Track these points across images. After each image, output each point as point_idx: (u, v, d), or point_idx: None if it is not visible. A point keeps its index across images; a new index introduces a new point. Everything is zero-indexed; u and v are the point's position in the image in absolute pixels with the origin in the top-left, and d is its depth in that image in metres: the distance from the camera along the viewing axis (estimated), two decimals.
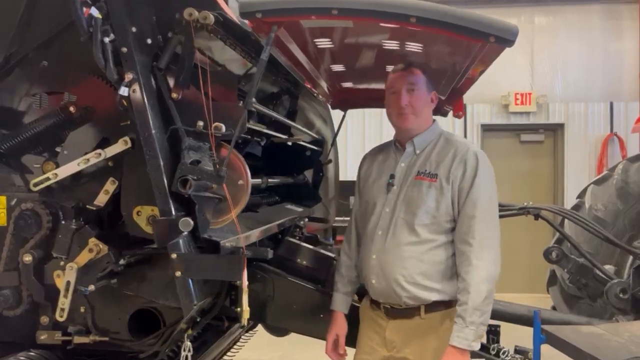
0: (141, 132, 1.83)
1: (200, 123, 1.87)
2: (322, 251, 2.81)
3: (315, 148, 3.45)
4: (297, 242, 2.83)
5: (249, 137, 2.31)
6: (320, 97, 3.58)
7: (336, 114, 3.76)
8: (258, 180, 2.62)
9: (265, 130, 2.44)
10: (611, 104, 7.62)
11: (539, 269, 3.40)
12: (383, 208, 2.21)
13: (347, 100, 3.50)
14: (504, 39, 1.62)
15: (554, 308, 3.66)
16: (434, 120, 2.30)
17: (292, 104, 3.53)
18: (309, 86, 3.32)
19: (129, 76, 1.81)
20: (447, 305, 2.15)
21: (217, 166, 1.78)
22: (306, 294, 2.55)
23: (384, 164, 2.31)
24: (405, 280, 2.12)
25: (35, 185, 2.01)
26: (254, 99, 1.92)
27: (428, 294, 2.12)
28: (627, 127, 7.29)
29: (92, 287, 1.96)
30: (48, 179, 2.00)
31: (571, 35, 7.72)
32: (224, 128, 1.86)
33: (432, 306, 2.14)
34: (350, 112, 3.58)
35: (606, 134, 7.60)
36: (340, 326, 2.35)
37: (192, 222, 1.67)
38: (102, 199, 2.02)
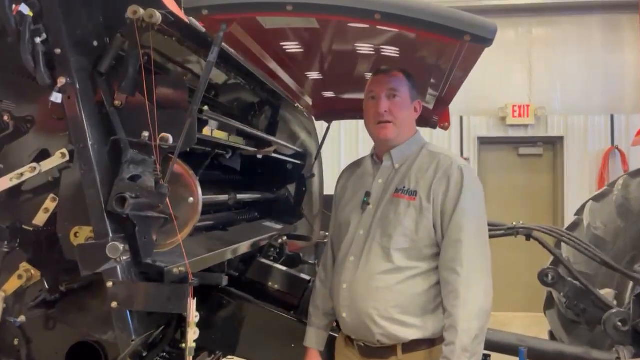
0: (76, 144, 1.62)
1: (146, 134, 1.67)
2: (295, 273, 2.58)
3: (297, 162, 3.25)
4: (269, 263, 2.61)
5: (209, 149, 2.10)
6: (302, 108, 3.38)
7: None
8: (224, 197, 2.42)
9: (229, 142, 2.23)
10: (612, 117, 7.39)
11: (538, 287, 3.19)
12: (357, 230, 1.95)
13: (331, 111, 3.28)
14: (481, 37, 1.42)
15: (551, 333, 3.42)
16: (417, 131, 2.06)
17: (273, 115, 3.35)
18: (289, 97, 3.13)
19: (62, 81, 1.61)
20: (430, 344, 1.86)
21: (160, 182, 1.57)
22: (276, 321, 2.32)
23: (361, 180, 2.06)
24: (378, 315, 1.84)
25: None
26: (206, 107, 1.72)
27: (405, 330, 1.84)
28: (628, 140, 7.05)
29: (22, 318, 1.75)
30: None
31: (570, 46, 7.52)
32: (171, 139, 1.65)
33: (411, 345, 1.85)
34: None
35: (607, 148, 7.35)
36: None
37: (121, 247, 1.45)
38: (41, 219, 1.82)
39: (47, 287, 1.73)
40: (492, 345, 2.44)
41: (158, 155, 1.63)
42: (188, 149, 1.68)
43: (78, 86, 1.63)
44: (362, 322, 1.87)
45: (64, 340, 1.81)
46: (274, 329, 2.32)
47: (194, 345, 1.61)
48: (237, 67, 2.40)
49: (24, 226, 1.83)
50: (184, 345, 1.58)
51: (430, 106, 2.61)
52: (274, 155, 3.02)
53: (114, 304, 1.58)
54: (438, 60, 1.92)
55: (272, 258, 2.80)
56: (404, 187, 1.90)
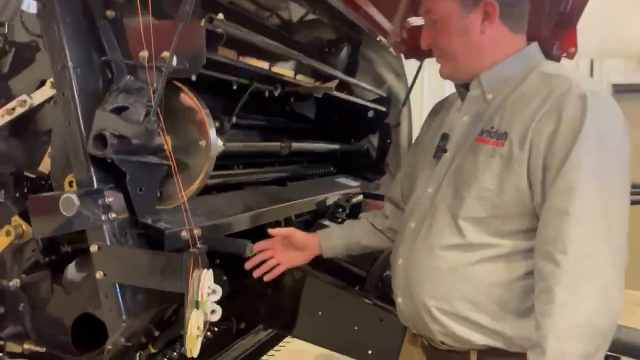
0: (53, 65, 1.25)
1: (144, 53, 1.25)
2: None
3: (380, 108, 2.74)
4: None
5: (244, 81, 1.65)
6: (388, 42, 2.82)
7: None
8: (273, 145, 1.98)
9: (269, 72, 1.78)
10: None
11: None
12: (425, 187, 1.40)
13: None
14: None
15: None
16: (524, 46, 1.35)
17: (353, 53, 2.84)
18: (373, 30, 2.59)
19: None
20: (515, 358, 1.25)
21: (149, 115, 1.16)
22: (336, 297, 1.88)
23: (445, 119, 1.47)
24: (437, 307, 1.31)
25: None
26: (220, 15, 1.27)
27: (476, 335, 1.28)
28: None
29: (16, 282, 1.46)
30: None
31: None
32: (175, 60, 1.23)
33: (492, 354, 1.28)
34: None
35: None
36: (298, 235, 1.69)
37: (77, 201, 1.06)
38: (47, 165, 1.51)
39: (41, 247, 1.42)
40: (625, 349, 1.81)
41: (155, 81, 1.21)
42: (194, 77, 1.25)
43: None
44: (417, 313, 1.35)
45: (68, 311, 1.51)
46: (331, 306, 1.88)
47: (198, 334, 1.21)
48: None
49: (26, 173, 1.53)
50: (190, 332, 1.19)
51: (547, 28, 1.95)
52: (352, 99, 2.53)
53: (99, 274, 1.22)
54: None
55: (339, 220, 2.34)
56: (492, 128, 1.28)
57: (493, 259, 1.25)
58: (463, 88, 1.41)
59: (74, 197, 1.01)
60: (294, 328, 1.94)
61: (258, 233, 1.74)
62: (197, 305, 1.26)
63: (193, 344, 1.18)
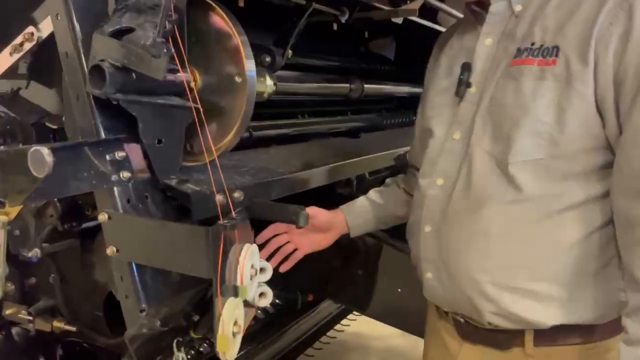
0: None
1: None
2: None
3: None
4: None
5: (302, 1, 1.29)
6: None
7: None
8: (343, 86, 1.62)
9: None
10: None
11: None
12: (448, 134, 1.09)
13: None
14: None
15: None
16: None
17: None
18: None
19: None
20: (586, 334, 1.01)
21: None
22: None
23: (459, 50, 1.14)
24: (492, 283, 1.00)
25: None
26: None
27: (540, 309, 0.99)
28: None
29: (36, 252, 1.24)
30: None
31: None
32: None
33: (551, 334, 1.01)
34: None
35: None
36: (321, 215, 1.29)
37: (49, 158, 0.76)
38: None
39: (59, 211, 1.18)
40: None
41: None
42: None
43: None
44: (460, 291, 1.05)
45: (98, 285, 1.28)
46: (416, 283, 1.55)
47: (236, 331, 0.92)
48: None
49: (48, 124, 1.29)
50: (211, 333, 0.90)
51: None
52: (439, 30, 2.12)
53: (110, 251, 0.95)
54: None
55: None
56: (532, 45, 0.98)
57: (560, 212, 0.96)
58: (478, 7, 1.08)
59: (45, 152, 0.72)
60: (367, 306, 1.64)
61: (324, 198, 1.42)
62: (235, 292, 0.97)
63: (226, 344, 0.88)
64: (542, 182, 0.96)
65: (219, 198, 0.99)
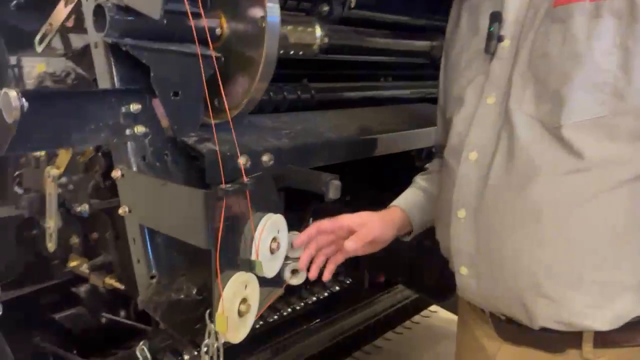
0: None
1: None
2: None
3: None
4: None
5: None
6: None
7: None
8: (421, 44, 1.42)
9: None
10: None
11: None
12: (480, 99, 0.89)
13: None
14: None
15: None
16: None
17: None
18: None
19: None
20: None
21: None
22: None
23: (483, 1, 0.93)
24: (548, 275, 0.81)
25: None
26: None
27: (611, 305, 0.80)
28: None
29: (85, 207, 1.23)
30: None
31: None
32: None
33: (616, 334, 0.81)
34: None
35: None
36: (375, 228, 1.00)
37: (21, 101, 0.68)
38: None
39: (103, 164, 1.16)
40: None
41: None
42: None
43: None
44: (505, 288, 0.86)
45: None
46: None
47: (245, 310, 0.82)
48: None
49: None
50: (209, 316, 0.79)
51: None
52: None
53: (123, 210, 0.88)
54: None
55: None
56: None
57: (630, 181, 0.76)
58: None
59: (13, 95, 0.66)
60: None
61: (378, 173, 1.26)
62: (250, 266, 0.86)
63: (225, 324, 0.78)
64: (606, 146, 0.76)
65: (242, 160, 0.88)
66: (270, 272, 0.88)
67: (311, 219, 1.45)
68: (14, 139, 0.68)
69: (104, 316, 1.69)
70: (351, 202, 1.58)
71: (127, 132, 0.87)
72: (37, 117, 0.70)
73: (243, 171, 0.82)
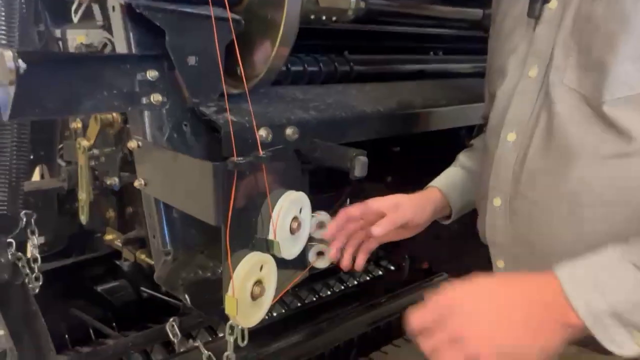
0: None
1: None
2: None
3: None
4: None
5: None
6: None
7: None
8: (474, 11, 1.29)
9: None
10: None
11: None
12: (522, 71, 0.78)
13: None
14: None
15: None
16: None
17: None
18: None
19: None
20: None
21: None
22: None
23: None
24: None
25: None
26: None
27: None
28: None
29: (114, 180, 1.21)
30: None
31: None
32: None
33: None
34: None
35: None
36: (407, 210, 0.91)
37: (10, 61, 0.63)
38: None
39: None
40: None
41: None
42: None
43: None
44: None
45: None
46: None
47: (257, 293, 0.76)
48: None
49: None
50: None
51: None
52: None
53: (138, 183, 0.84)
54: None
55: None
56: None
57: None
58: None
59: (8, 55, 0.61)
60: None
61: (425, 153, 1.17)
62: (267, 247, 0.80)
63: (234, 307, 0.73)
64: None
65: (262, 133, 0.82)
66: (289, 253, 0.82)
67: (348, 200, 1.38)
68: (16, 103, 0.64)
69: (144, 291, 1.69)
70: (393, 184, 1.50)
71: (144, 100, 0.82)
72: (41, 80, 0.66)
73: (259, 144, 0.76)
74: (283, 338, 1.41)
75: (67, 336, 1.53)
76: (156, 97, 0.83)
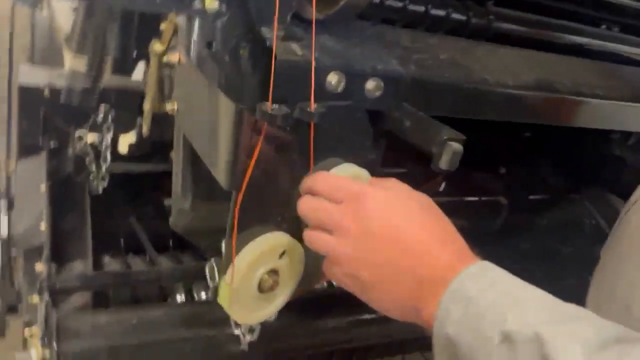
0: None
1: None
2: None
3: None
4: None
5: None
6: None
7: None
8: None
9: None
10: None
11: None
12: None
13: None
14: None
15: None
16: None
17: None
18: None
19: None
20: None
21: None
22: None
23: None
24: None
25: None
26: None
27: None
28: None
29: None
30: None
31: None
32: None
33: None
34: None
35: None
36: None
37: None
38: None
39: None
40: None
41: None
42: None
43: None
44: None
45: None
46: None
47: (265, 279, 0.57)
48: None
49: None
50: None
51: None
52: None
53: (171, 107, 0.68)
54: None
55: None
56: None
57: None
58: None
59: None
60: None
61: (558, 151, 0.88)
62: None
63: (228, 297, 0.55)
64: None
65: (331, 79, 0.60)
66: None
67: (443, 184, 1.14)
68: None
69: None
70: (506, 176, 1.22)
71: (195, 4, 0.64)
72: None
73: (312, 93, 0.55)
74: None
75: (122, 244, 1.48)
76: (211, 4, 0.64)
